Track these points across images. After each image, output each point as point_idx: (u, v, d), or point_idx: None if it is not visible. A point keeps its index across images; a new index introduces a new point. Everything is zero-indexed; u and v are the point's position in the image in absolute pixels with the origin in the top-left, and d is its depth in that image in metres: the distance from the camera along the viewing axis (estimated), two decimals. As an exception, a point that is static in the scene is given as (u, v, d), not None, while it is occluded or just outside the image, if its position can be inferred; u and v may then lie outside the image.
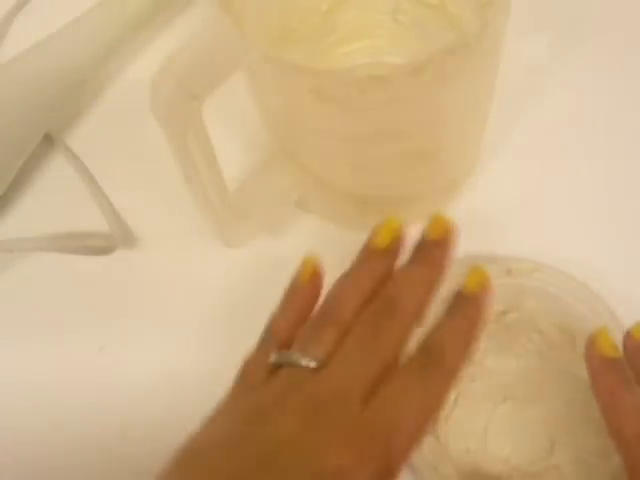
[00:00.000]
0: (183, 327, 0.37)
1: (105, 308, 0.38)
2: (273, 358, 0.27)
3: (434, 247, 0.28)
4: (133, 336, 0.37)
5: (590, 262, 0.36)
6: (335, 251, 0.38)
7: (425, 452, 0.31)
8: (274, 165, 0.37)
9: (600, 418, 0.30)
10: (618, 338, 0.30)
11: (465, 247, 0.36)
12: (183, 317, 0.38)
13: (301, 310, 0.29)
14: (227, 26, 0.27)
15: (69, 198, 0.42)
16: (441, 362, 0.25)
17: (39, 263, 0.40)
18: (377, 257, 0.29)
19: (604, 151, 0.40)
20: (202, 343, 0.37)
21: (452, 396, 0.32)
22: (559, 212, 0.38)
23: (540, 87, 0.41)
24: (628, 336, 0.29)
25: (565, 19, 0.43)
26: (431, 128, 0.31)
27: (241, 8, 0.30)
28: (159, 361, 0.36)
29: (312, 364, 0.26)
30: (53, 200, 0.42)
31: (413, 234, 0.31)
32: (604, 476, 0.29)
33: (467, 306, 0.27)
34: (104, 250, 0.38)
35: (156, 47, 0.45)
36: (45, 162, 0.43)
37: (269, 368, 0.27)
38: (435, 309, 0.28)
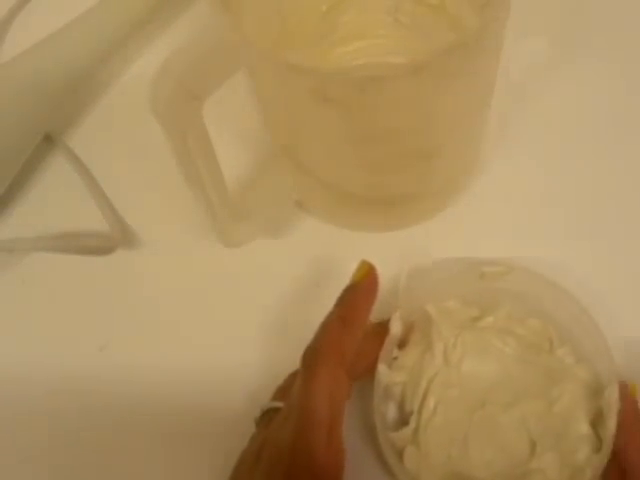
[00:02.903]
0: (183, 327, 0.37)
1: (105, 308, 0.38)
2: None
3: (349, 290, 0.31)
4: (133, 336, 0.37)
5: (589, 261, 0.36)
6: (335, 251, 0.38)
7: (406, 462, 0.31)
8: (274, 165, 0.37)
9: (580, 418, 0.31)
10: (595, 337, 0.31)
11: (465, 247, 0.37)
12: (183, 317, 0.38)
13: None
14: (227, 26, 0.27)
15: (69, 198, 0.42)
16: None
17: (39, 263, 0.40)
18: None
19: (604, 151, 0.40)
20: (202, 343, 0.37)
21: (431, 404, 0.32)
22: (559, 212, 0.38)
23: (540, 87, 0.41)
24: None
25: (565, 19, 0.43)
26: (431, 128, 0.31)
27: (241, 8, 0.30)
28: (159, 361, 0.37)
29: None
30: (53, 200, 0.42)
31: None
32: (588, 476, 0.29)
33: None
34: (104, 250, 0.38)
35: (156, 47, 0.45)
36: (45, 162, 0.43)
37: None
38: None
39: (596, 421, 0.31)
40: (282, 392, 0.32)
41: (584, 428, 0.31)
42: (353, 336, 0.29)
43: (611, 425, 0.29)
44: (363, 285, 0.31)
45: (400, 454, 0.31)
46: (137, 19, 0.43)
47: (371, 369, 0.31)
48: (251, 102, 0.33)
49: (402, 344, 0.33)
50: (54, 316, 0.39)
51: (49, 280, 0.40)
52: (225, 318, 0.37)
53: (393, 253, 0.37)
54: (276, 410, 0.30)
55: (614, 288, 0.35)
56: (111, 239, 0.39)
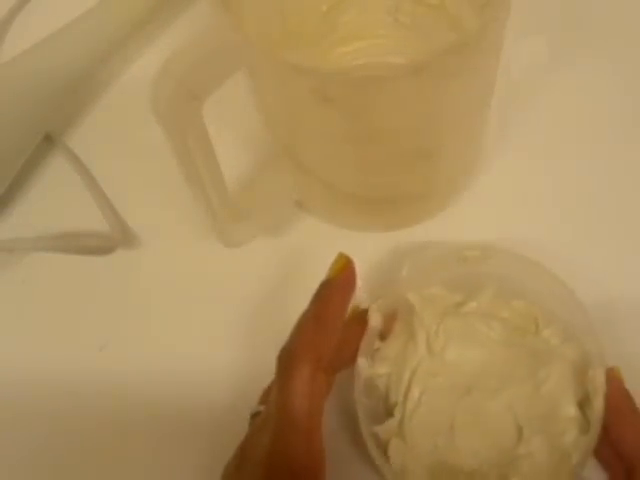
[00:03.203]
0: (183, 327, 0.37)
1: (105, 308, 0.38)
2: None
3: (323, 286, 0.30)
4: (133, 336, 0.37)
5: (589, 261, 0.36)
6: (335, 251, 0.38)
7: (391, 455, 0.30)
8: (274, 165, 0.37)
9: (567, 400, 0.30)
10: (580, 317, 0.31)
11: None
12: (183, 317, 0.38)
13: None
14: (227, 26, 0.27)
15: (69, 198, 0.42)
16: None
17: (39, 263, 0.40)
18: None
19: (604, 150, 0.40)
20: (202, 343, 0.37)
21: (415, 394, 0.31)
22: (560, 211, 0.38)
23: (540, 87, 0.41)
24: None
25: (565, 19, 0.43)
26: (431, 128, 0.31)
27: (241, 8, 0.30)
28: (159, 361, 0.37)
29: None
30: (53, 200, 0.42)
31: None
32: (576, 459, 0.29)
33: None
34: (104, 250, 0.38)
35: (156, 47, 0.45)
36: (45, 162, 0.43)
37: None
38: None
39: (584, 402, 0.30)
40: (267, 394, 0.32)
41: (571, 410, 0.30)
42: (329, 334, 0.28)
43: (598, 406, 0.29)
44: (339, 280, 0.30)
45: (385, 448, 0.30)
46: (137, 19, 0.43)
47: (353, 359, 0.31)
48: (251, 102, 0.33)
49: (384, 335, 0.33)
50: (54, 316, 0.39)
51: (49, 280, 0.40)
52: (225, 318, 0.37)
53: (393, 253, 0.37)
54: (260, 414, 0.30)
55: (604, 275, 0.35)
56: (111, 239, 0.39)
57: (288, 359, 0.27)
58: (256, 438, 0.28)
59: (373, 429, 0.30)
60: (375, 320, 0.32)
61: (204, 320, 0.37)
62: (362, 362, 0.31)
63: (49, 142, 0.43)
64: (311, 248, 0.38)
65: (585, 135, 0.40)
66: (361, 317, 0.31)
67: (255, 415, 0.31)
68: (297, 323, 0.29)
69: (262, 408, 0.30)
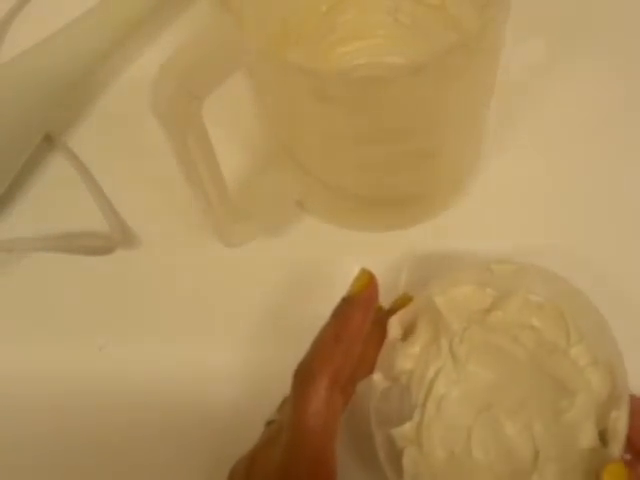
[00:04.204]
0: (183, 327, 0.37)
1: (105, 308, 0.38)
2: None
3: (345, 303, 0.29)
4: (133, 336, 0.37)
5: (589, 260, 0.36)
6: (335, 251, 0.38)
7: (406, 462, 0.29)
8: (274, 165, 0.37)
9: (588, 431, 0.29)
10: (609, 346, 0.29)
11: (467, 247, 0.37)
12: (183, 317, 0.38)
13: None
14: (227, 26, 0.27)
15: (69, 198, 0.42)
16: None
17: (39, 263, 0.40)
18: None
19: (604, 150, 0.40)
20: (202, 343, 0.37)
21: (437, 398, 0.31)
22: (560, 211, 0.38)
23: (540, 87, 0.41)
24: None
25: (565, 19, 0.43)
26: (431, 128, 0.31)
27: (241, 8, 0.30)
28: (159, 361, 0.37)
29: None
30: (53, 200, 0.42)
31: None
32: None
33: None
34: (104, 250, 0.38)
35: (156, 47, 0.45)
36: (45, 162, 0.43)
37: None
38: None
39: (605, 433, 0.29)
40: (286, 403, 0.31)
41: (590, 442, 0.29)
42: (348, 353, 0.28)
43: (616, 451, 0.28)
44: (361, 298, 0.29)
45: (398, 457, 0.29)
46: (137, 19, 0.43)
47: (371, 371, 0.30)
48: (251, 102, 0.33)
49: (407, 333, 0.32)
50: (54, 316, 0.39)
51: (49, 280, 0.40)
52: (225, 318, 0.37)
53: (394, 253, 0.37)
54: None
55: (628, 288, 0.35)
56: (111, 239, 0.39)
57: (305, 376, 0.27)
58: (268, 450, 0.28)
59: (389, 432, 0.29)
60: (395, 332, 0.31)
61: (204, 320, 0.37)
62: (378, 378, 0.30)
63: (49, 142, 0.43)
64: (311, 248, 0.38)
65: (585, 135, 0.40)
66: (380, 321, 0.31)
67: (270, 423, 0.30)
68: (316, 338, 0.28)
69: (278, 417, 0.30)
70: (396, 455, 0.29)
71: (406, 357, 0.31)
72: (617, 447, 0.28)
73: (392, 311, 0.31)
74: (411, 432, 0.30)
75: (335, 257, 0.38)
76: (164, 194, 0.39)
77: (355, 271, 0.31)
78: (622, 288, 0.36)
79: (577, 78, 0.41)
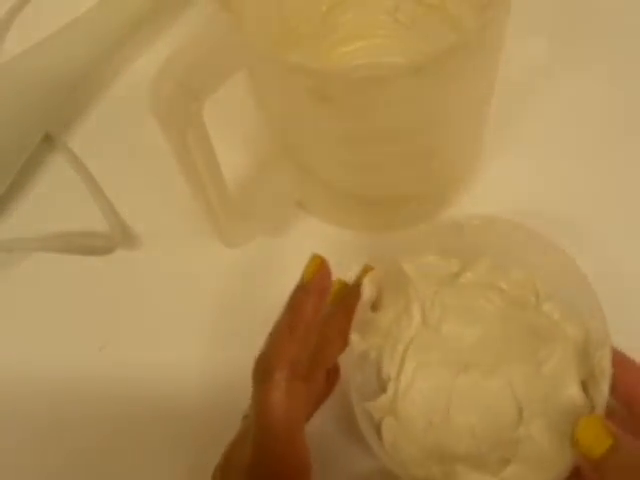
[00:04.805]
0: (183, 327, 0.37)
1: (105, 308, 0.38)
2: None
3: (296, 291, 0.29)
4: (133, 336, 0.37)
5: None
6: (335, 251, 0.38)
7: (384, 433, 0.28)
8: (274, 165, 0.37)
9: (570, 380, 0.28)
10: (584, 292, 0.29)
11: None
12: (183, 317, 0.38)
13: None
14: (227, 26, 0.27)
15: (69, 198, 0.42)
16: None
17: (39, 263, 0.40)
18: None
19: (604, 150, 0.40)
20: (202, 343, 0.37)
21: (409, 369, 0.30)
22: (560, 212, 0.38)
23: (540, 87, 0.41)
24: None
25: (565, 19, 0.43)
26: (431, 128, 0.31)
27: (241, 8, 0.30)
28: (159, 361, 0.36)
29: None
30: (53, 200, 0.42)
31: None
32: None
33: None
34: (104, 250, 0.38)
35: (156, 47, 0.45)
36: (45, 162, 0.43)
37: None
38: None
39: (587, 382, 0.29)
40: None
41: (575, 391, 0.28)
42: (304, 341, 0.27)
43: (604, 390, 0.27)
44: (313, 285, 0.29)
45: (378, 427, 0.29)
46: (137, 19, 0.43)
47: (340, 351, 0.30)
48: (251, 102, 0.33)
49: (375, 305, 0.31)
50: (54, 316, 0.39)
51: (49, 280, 0.40)
52: (225, 317, 0.37)
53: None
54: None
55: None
56: (111, 239, 0.39)
57: (262, 369, 0.27)
58: (239, 446, 0.28)
59: (365, 405, 0.29)
60: (369, 292, 0.30)
61: (204, 320, 0.37)
62: (355, 337, 0.29)
63: (49, 142, 0.43)
64: (311, 248, 0.38)
65: (585, 135, 0.40)
66: (345, 296, 0.30)
67: (246, 417, 0.30)
68: (271, 332, 0.28)
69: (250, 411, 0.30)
70: (376, 425, 0.29)
71: (376, 330, 0.31)
72: (605, 387, 0.27)
73: (357, 286, 0.30)
74: (386, 404, 0.29)
75: (335, 257, 0.38)
76: (164, 194, 0.39)
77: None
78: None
79: (577, 78, 0.41)
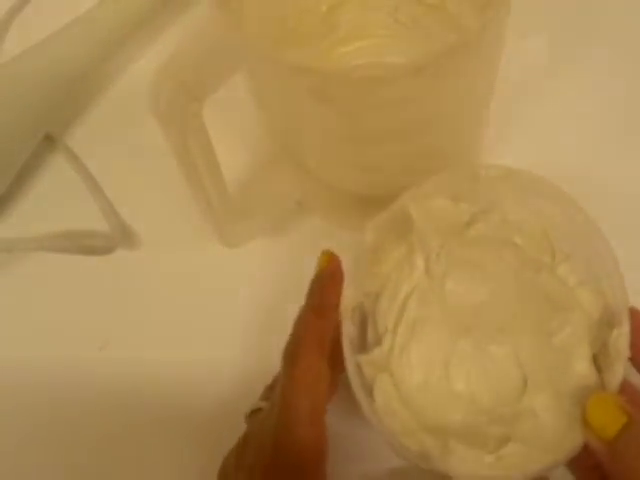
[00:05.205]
0: (183, 327, 0.37)
1: (105, 308, 0.38)
2: None
3: (313, 282, 0.30)
4: (133, 336, 0.37)
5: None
6: (335, 251, 0.38)
7: (377, 391, 0.26)
8: (274, 165, 0.37)
9: (581, 355, 0.26)
10: (604, 256, 0.27)
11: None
12: (183, 317, 0.38)
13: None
14: (227, 26, 0.27)
15: (69, 198, 0.42)
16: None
17: (39, 263, 0.40)
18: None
19: (604, 150, 0.40)
20: (202, 343, 0.37)
21: (409, 322, 0.28)
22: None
23: (540, 87, 0.41)
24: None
25: (565, 19, 0.43)
26: (431, 128, 0.31)
27: (241, 8, 0.30)
28: (159, 360, 0.36)
29: None
30: (53, 200, 0.42)
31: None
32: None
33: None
34: (104, 250, 0.38)
35: (156, 47, 0.45)
36: (45, 162, 0.43)
37: None
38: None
39: (600, 357, 0.26)
40: (269, 391, 0.32)
41: (585, 367, 0.26)
42: (328, 322, 0.28)
43: (618, 371, 0.25)
44: (327, 272, 0.30)
45: (370, 389, 0.27)
46: (137, 19, 0.43)
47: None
48: (251, 102, 0.33)
49: (376, 253, 0.29)
50: (54, 316, 0.39)
51: (49, 280, 0.40)
52: (225, 318, 0.37)
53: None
54: (262, 410, 0.30)
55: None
56: (111, 239, 0.39)
57: (291, 352, 0.28)
58: (260, 427, 0.28)
59: (358, 359, 0.27)
60: (368, 241, 0.28)
61: (204, 320, 0.37)
62: (349, 292, 0.28)
63: (49, 142, 0.43)
64: (311, 248, 0.38)
65: (585, 135, 0.40)
66: (330, 272, 0.30)
67: (255, 411, 0.31)
68: (297, 319, 0.29)
69: (263, 404, 0.31)
70: (369, 384, 0.27)
71: (374, 276, 0.29)
72: (619, 368, 0.25)
73: (319, 277, 0.30)
74: (380, 359, 0.27)
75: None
76: (164, 194, 0.39)
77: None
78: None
79: (577, 78, 0.41)
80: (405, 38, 0.39)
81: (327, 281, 0.29)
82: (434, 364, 0.27)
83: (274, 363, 0.30)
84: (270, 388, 0.32)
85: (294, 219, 0.39)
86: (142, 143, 0.37)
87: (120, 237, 0.39)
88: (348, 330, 0.27)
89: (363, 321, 0.29)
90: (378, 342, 0.28)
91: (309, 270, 0.33)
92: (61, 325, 0.38)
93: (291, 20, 0.37)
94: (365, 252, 0.28)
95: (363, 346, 0.28)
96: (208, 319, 0.37)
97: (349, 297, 0.28)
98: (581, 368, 0.26)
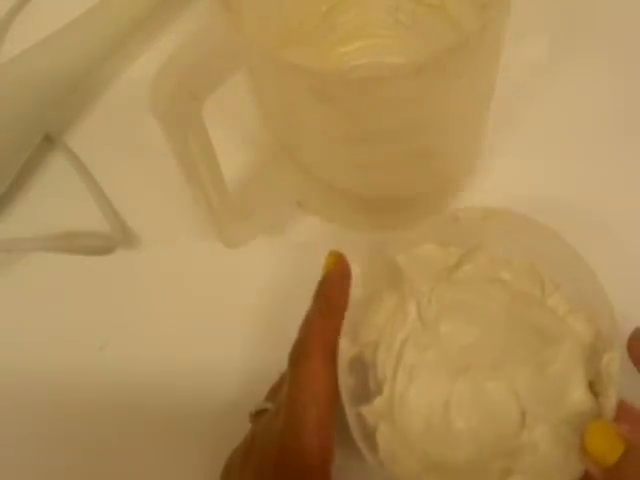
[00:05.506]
0: (182, 327, 0.37)
1: (105, 308, 0.38)
2: None
3: (321, 283, 0.30)
4: (133, 336, 0.37)
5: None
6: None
7: (380, 440, 0.27)
8: (274, 165, 0.37)
9: (576, 383, 0.27)
10: (591, 285, 0.27)
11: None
12: (183, 317, 0.38)
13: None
14: (227, 26, 0.27)
15: (69, 198, 0.42)
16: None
17: (39, 263, 0.40)
18: None
19: (604, 150, 0.40)
20: (202, 343, 0.37)
21: (406, 369, 0.28)
22: (559, 212, 0.38)
23: (540, 87, 0.41)
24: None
25: (565, 19, 0.43)
26: (431, 128, 0.31)
27: (241, 8, 0.30)
28: (159, 360, 0.37)
29: None
30: (53, 200, 0.42)
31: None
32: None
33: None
34: (104, 250, 0.38)
35: (156, 47, 0.45)
36: (45, 162, 0.43)
37: None
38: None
39: (595, 383, 0.27)
40: (274, 392, 0.32)
41: (581, 395, 0.26)
42: (335, 324, 0.28)
43: (612, 396, 0.26)
44: (335, 274, 0.30)
45: (373, 436, 0.27)
46: (137, 19, 0.43)
47: None
48: (251, 102, 0.33)
49: (369, 303, 0.30)
50: (54, 316, 0.39)
51: (49, 280, 0.40)
52: (225, 318, 0.37)
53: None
54: (268, 411, 0.30)
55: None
56: (111, 239, 0.39)
57: (298, 353, 0.28)
58: (265, 430, 0.28)
59: (359, 410, 0.27)
60: (357, 294, 0.28)
61: (204, 320, 0.37)
62: (344, 341, 0.28)
63: (49, 142, 0.43)
64: (311, 248, 0.38)
65: (585, 135, 0.40)
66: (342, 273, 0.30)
67: (260, 412, 0.31)
68: (303, 321, 0.29)
69: (268, 405, 0.31)
70: (370, 432, 0.27)
71: (370, 327, 0.29)
72: (613, 392, 0.26)
73: (326, 279, 0.30)
74: (382, 407, 0.28)
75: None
76: (164, 194, 0.40)
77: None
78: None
79: (577, 78, 0.41)
80: (405, 38, 0.39)
81: (335, 283, 0.29)
82: (434, 406, 0.28)
83: (274, 363, 0.30)
84: (275, 389, 0.32)
85: (294, 219, 0.39)
86: (142, 143, 0.38)
87: (120, 237, 0.39)
88: (346, 381, 0.27)
89: (364, 371, 0.29)
90: (379, 391, 0.29)
91: (309, 269, 0.33)
92: (61, 325, 0.38)
93: (291, 20, 0.37)
94: (359, 304, 0.29)
95: (365, 395, 0.28)
96: (208, 319, 0.37)
97: (345, 349, 0.28)
98: (577, 395, 0.27)
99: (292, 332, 0.29)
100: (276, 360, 0.30)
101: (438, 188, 0.38)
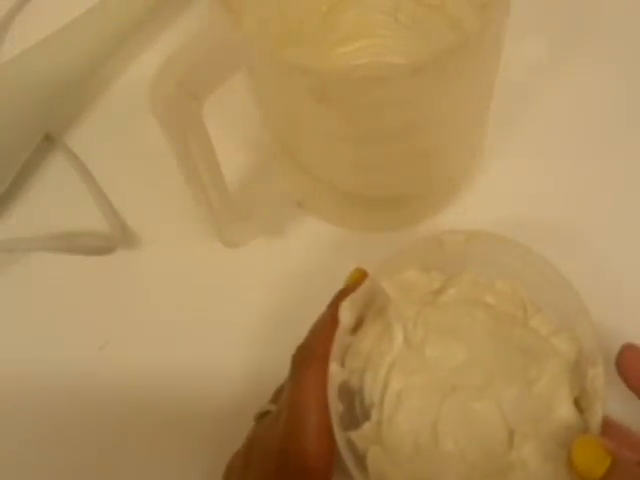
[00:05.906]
0: (182, 327, 0.37)
1: (105, 308, 0.38)
2: None
3: (340, 293, 0.30)
4: (133, 336, 0.37)
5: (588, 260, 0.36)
6: (335, 251, 0.38)
7: (370, 463, 0.27)
8: (274, 165, 0.37)
9: (563, 400, 0.27)
10: (573, 304, 0.28)
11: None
12: (183, 317, 0.38)
13: None
14: (227, 26, 0.27)
15: (69, 198, 0.42)
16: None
17: (39, 263, 0.40)
18: None
19: (604, 150, 0.40)
20: (202, 343, 0.37)
21: (394, 393, 0.28)
22: (559, 212, 0.38)
23: (540, 87, 0.41)
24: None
25: (565, 19, 0.43)
26: (431, 128, 0.31)
27: (241, 8, 0.30)
28: (158, 361, 0.37)
29: None
30: (53, 200, 0.42)
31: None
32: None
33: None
34: (104, 250, 0.38)
35: (156, 47, 0.45)
36: (45, 162, 0.43)
37: None
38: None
39: (581, 399, 0.27)
40: (279, 394, 0.32)
41: (567, 411, 0.27)
42: None
43: (598, 411, 0.26)
44: (356, 287, 0.29)
45: (363, 459, 0.27)
46: (137, 19, 0.43)
47: None
48: (251, 102, 0.33)
49: (356, 326, 0.30)
50: (54, 316, 0.39)
51: (49, 280, 0.40)
52: (224, 318, 0.37)
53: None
54: (271, 412, 0.30)
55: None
56: (111, 239, 0.39)
57: (302, 356, 0.28)
58: (267, 432, 0.28)
59: (348, 436, 0.27)
60: (346, 319, 0.28)
61: (204, 320, 0.37)
62: (334, 366, 0.28)
63: (49, 142, 0.43)
64: (311, 248, 0.38)
65: (585, 135, 0.40)
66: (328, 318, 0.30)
67: (264, 414, 0.31)
68: (313, 325, 0.29)
69: (272, 407, 0.30)
70: (360, 456, 0.28)
71: (356, 354, 0.30)
72: (599, 407, 0.26)
73: (347, 290, 0.30)
74: (371, 432, 0.28)
75: (335, 257, 0.38)
76: (164, 194, 0.40)
77: (349, 268, 0.31)
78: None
79: (577, 78, 0.41)
80: (405, 38, 0.39)
81: None
82: (422, 429, 0.28)
83: (274, 364, 0.30)
84: (281, 391, 0.32)
85: (294, 219, 0.39)
86: (142, 143, 0.38)
87: (120, 237, 0.39)
88: (336, 407, 0.27)
89: (350, 397, 0.29)
90: (366, 416, 0.29)
91: (309, 269, 0.33)
92: (61, 325, 0.38)
93: (291, 20, 0.37)
94: (344, 331, 0.29)
95: (351, 421, 0.28)
96: (208, 319, 0.37)
97: (335, 374, 0.28)
98: (563, 412, 0.27)
99: (293, 332, 0.29)
100: (276, 360, 0.30)
101: (438, 188, 0.38)
